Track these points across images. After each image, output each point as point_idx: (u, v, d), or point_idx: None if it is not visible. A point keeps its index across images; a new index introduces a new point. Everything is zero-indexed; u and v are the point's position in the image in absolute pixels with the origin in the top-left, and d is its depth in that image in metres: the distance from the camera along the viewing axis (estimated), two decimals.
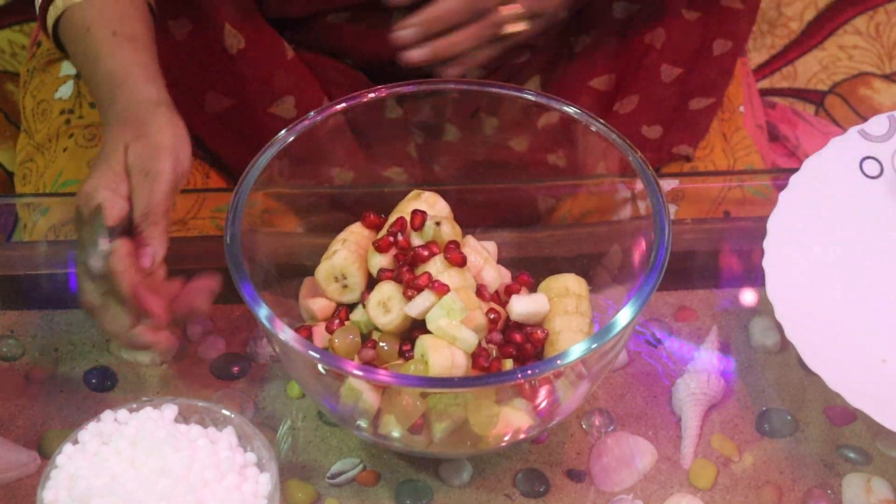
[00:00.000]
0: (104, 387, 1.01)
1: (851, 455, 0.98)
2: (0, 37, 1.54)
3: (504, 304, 0.96)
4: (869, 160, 1.06)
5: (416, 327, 0.93)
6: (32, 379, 1.01)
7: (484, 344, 0.92)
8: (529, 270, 0.99)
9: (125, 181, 0.93)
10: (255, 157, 0.95)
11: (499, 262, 1.00)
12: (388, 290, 0.93)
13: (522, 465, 0.97)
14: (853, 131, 1.06)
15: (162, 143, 0.94)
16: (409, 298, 0.92)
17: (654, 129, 1.21)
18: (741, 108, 1.28)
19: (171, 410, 0.89)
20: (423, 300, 0.91)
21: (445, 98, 1.03)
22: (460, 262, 0.93)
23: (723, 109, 1.27)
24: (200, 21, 1.15)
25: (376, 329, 0.94)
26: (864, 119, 1.08)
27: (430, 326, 0.91)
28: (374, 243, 0.96)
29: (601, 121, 0.97)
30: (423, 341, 0.90)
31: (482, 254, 0.97)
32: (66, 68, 1.26)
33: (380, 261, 0.96)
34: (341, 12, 1.16)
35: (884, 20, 1.85)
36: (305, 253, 0.99)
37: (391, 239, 0.96)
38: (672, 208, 1.08)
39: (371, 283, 0.96)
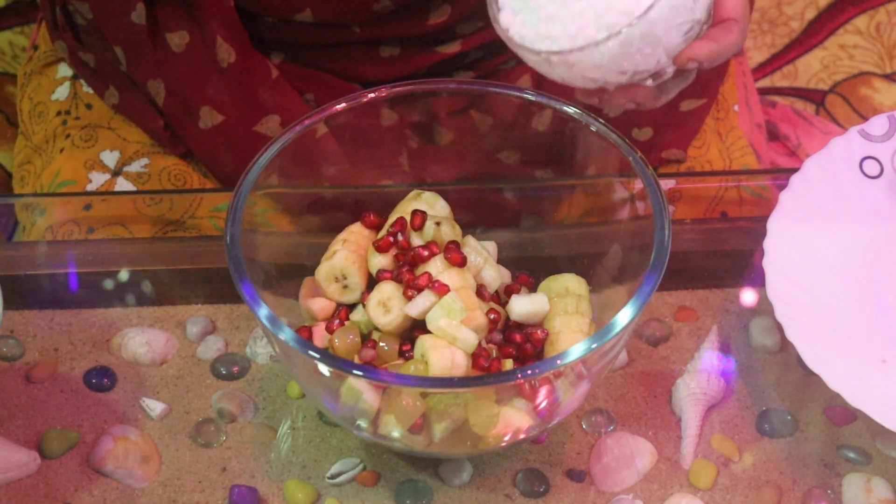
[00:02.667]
0: (104, 387, 1.01)
1: (851, 455, 0.98)
2: (1, 38, 1.54)
3: (504, 304, 0.96)
4: (869, 160, 1.06)
5: (416, 327, 0.93)
6: (32, 379, 1.01)
7: (484, 344, 0.92)
8: (529, 270, 0.99)
9: None
10: (255, 157, 0.95)
11: (499, 262, 1.00)
12: (388, 290, 0.93)
13: (522, 465, 0.97)
14: (853, 131, 1.06)
15: None
16: (409, 298, 0.92)
17: (644, 132, 1.21)
18: (735, 108, 1.28)
19: None
20: (423, 300, 0.91)
21: (445, 98, 1.03)
22: (460, 262, 0.93)
23: (717, 108, 1.27)
24: (196, 34, 1.14)
25: (376, 329, 0.94)
26: (865, 119, 1.08)
27: (430, 326, 0.91)
28: (374, 243, 0.96)
29: (601, 121, 0.97)
30: (423, 341, 0.90)
31: (482, 254, 0.97)
32: (63, 70, 1.26)
33: (380, 261, 0.96)
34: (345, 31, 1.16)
35: (884, 20, 1.85)
36: (305, 253, 0.99)
37: (391, 239, 0.96)
38: (670, 209, 1.08)
39: (371, 283, 0.96)
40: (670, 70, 0.86)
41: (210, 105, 1.16)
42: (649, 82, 0.86)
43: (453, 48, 1.17)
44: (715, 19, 0.87)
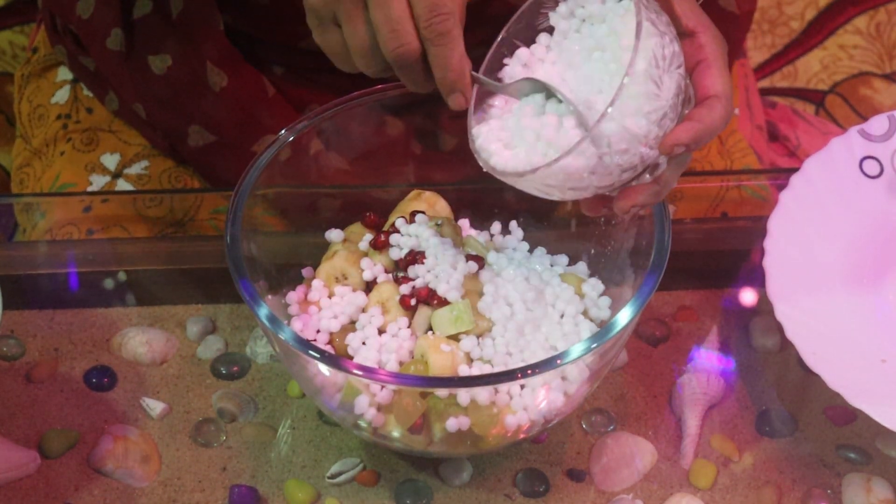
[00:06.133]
0: (104, 386, 1.01)
1: (851, 455, 0.98)
2: (1, 38, 1.54)
3: None
4: (869, 160, 1.06)
5: None
6: (33, 378, 1.01)
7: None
8: None
9: None
10: (255, 158, 0.95)
11: None
12: (386, 291, 0.93)
13: (522, 465, 0.97)
14: (853, 131, 1.06)
15: None
16: (405, 305, 0.92)
17: None
18: (736, 111, 1.28)
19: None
20: (422, 315, 0.92)
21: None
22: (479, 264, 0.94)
23: None
24: (181, 58, 1.14)
25: None
26: (865, 119, 1.08)
27: (436, 332, 0.91)
28: (370, 243, 0.96)
29: None
30: (423, 341, 0.90)
31: (483, 253, 0.97)
32: (63, 73, 1.26)
33: (379, 260, 0.96)
34: None
35: (884, 20, 1.85)
36: (305, 253, 0.99)
37: (383, 238, 0.96)
38: (670, 208, 1.08)
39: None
40: (663, 161, 0.84)
41: (200, 124, 1.15)
42: (647, 177, 0.85)
43: None
44: (698, 98, 0.85)
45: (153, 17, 1.14)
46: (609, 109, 0.79)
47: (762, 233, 1.02)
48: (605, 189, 0.84)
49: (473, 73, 0.86)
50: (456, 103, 0.85)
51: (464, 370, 0.89)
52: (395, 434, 0.90)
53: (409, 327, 0.92)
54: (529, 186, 0.84)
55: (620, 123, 0.80)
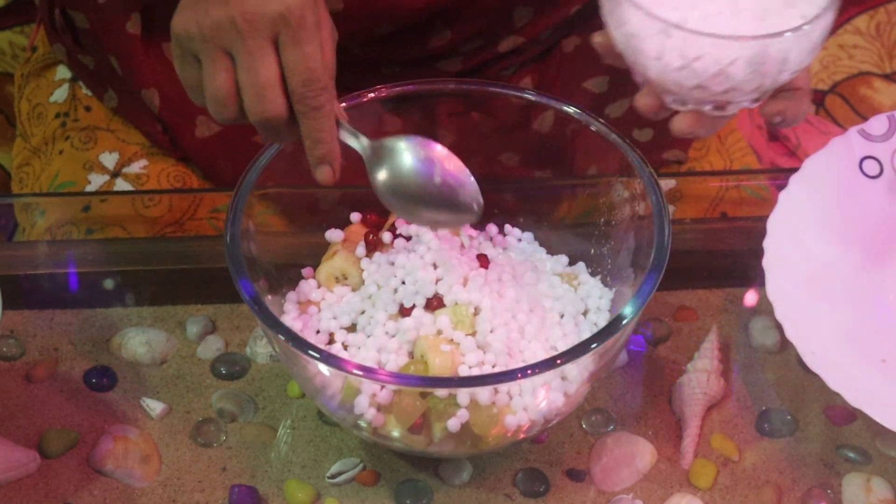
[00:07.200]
0: (104, 386, 1.01)
1: (851, 455, 0.98)
2: (1, 38, 1.54)
3: None
4: (869, 160, 1.06)
5: None
6: (32, 379, 1.01)
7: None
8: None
9: None
10: (254, 157, 0.95)
11: None
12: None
13: (522, 465, 0.97)
14: (853, 131, 1.06)
15: None
16: (405, 315, 0.92)
17: (644, 132, 1.21)
18: None
19: None
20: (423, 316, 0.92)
21: (445, 98, 1.03)
22: (484, 264, 0.94)
23: None
24: None
25: None
26: (865, 119, 1.08)
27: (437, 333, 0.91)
28: (366, 243, 0.96)
29: (601, 120, 0.97)
30: (423, 341, 0.90)
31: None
32: (62, 72, 1.26)
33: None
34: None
35: (884, 20, 1.84)
36: (305, 253, 0.99)
37: (372, 237, 0.96)
38: (670, 208, 1.08)
39: None
40: (734, 108, 0.85)
41: (207, 114, 1.16)
42: (707, 108, 0.85)
43: (454, 66, 1.17)
44: (787, 86, 0.88)
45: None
46: (796, 32, 0.80)
47: (762, 233, 1.02)
48: (689, 104, 0.85)
49: (340, 138, 0.87)
50: (324, 175, 0.87)
51: (464, 370, 0.89)
52: (395, 434, 0.90)
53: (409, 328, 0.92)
54: (662, 49, 0.83)
55: (783, 53, 0.80)
